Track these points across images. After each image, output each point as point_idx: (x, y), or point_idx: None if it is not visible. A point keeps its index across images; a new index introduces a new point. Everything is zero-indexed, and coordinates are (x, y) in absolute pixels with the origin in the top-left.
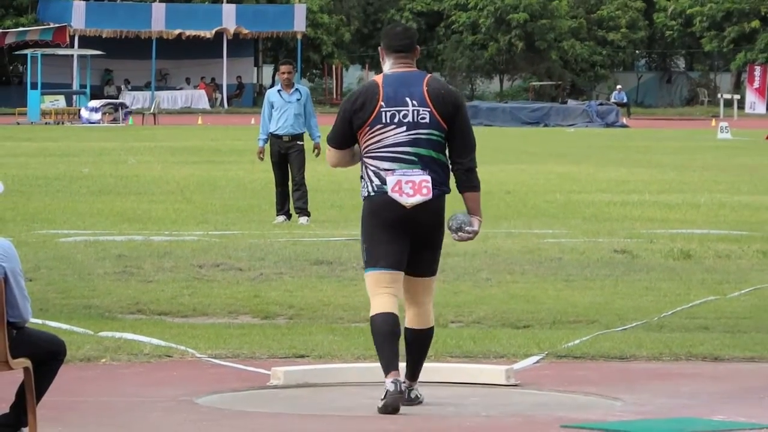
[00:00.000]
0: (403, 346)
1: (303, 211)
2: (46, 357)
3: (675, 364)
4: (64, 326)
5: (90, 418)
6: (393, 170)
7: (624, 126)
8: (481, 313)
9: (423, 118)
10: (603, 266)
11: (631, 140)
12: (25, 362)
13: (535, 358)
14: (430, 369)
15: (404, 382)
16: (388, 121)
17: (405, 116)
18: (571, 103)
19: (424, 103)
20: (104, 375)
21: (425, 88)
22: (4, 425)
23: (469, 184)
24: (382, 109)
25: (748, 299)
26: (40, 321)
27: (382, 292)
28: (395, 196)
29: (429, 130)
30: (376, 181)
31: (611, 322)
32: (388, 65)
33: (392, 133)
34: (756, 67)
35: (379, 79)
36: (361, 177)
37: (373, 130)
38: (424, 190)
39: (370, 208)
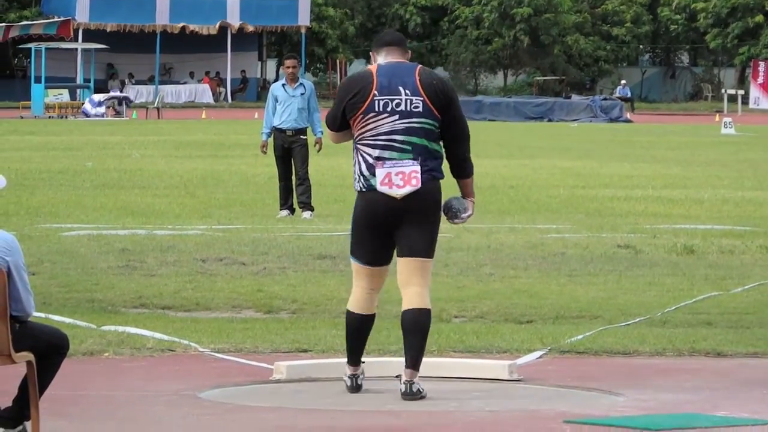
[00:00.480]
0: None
1: (306, 205)
2: (48, 351)
3: (678, 360)
4: (67, 320)
5: (92, 411)
6: (383, 160)
7: (628, 121)
8: (485, 308)
9: (416, 107)
10: (606, 261)
11: (635, 135)
12: (28, 356)
13: (538, 353)
14: (433, 364)
15: (361, 376)
16: (381, 109)
17: (398, 105)
18: (574, 98)
19: (416, 93)
20: (107, 369)
21: (417, 78)
22: (7, 419)
23: (464, 171)
24: (375, 98)
25: (752, 295)
26: (43, 315)
27: (360, 285)
28: (385, 189)
29: (422, 118)
30: (366, 173)
31: (614, 318)
32: (380, 59)
33: (386, 121)
34: (760, 62)
35: (373, 68)
36: (353, 166)
37: (366, 118)
38: (414, 181)
39: (360, 205)
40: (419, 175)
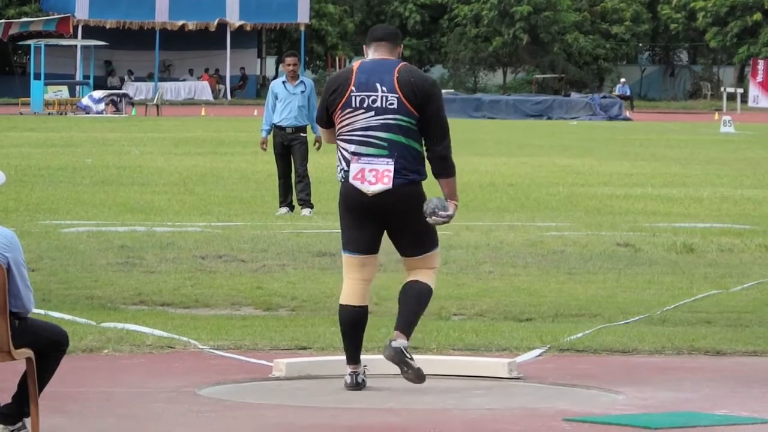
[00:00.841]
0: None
1: (306, 202)
2: (48, 347)
3: (677, 358)
4: (67, 317)
5: (92, 408)
6: (359, 156)
7: (627, 119)
8: (484, 305)
9: (391, 104)
10: (606, 259)
11: (634, 133)
12: (28, 352)
13: (537, 351)
14: (432, 361)
15: (363, 374)
16: (357, 105)
17: (374, 101)
18: (574, 95)
19: (392, 90)
20: (106, 366)
21: (395, 76)
22: (7, 415)
23: (443, 170)
24: (352, 94)
25: (751, 293)
26: (42, 311)
27: (351, 277)
28: (356, 183)
29: (397, 115)
30: (344, 167)
31: (614, 316)
32: (369, 54)
33: (362, 117)
34: (759, 60)
35: (356, 65)
36: (337, 160)
37: (344, 113)
38: (385, 179)
39: (341, 195)
40: (392, 174)
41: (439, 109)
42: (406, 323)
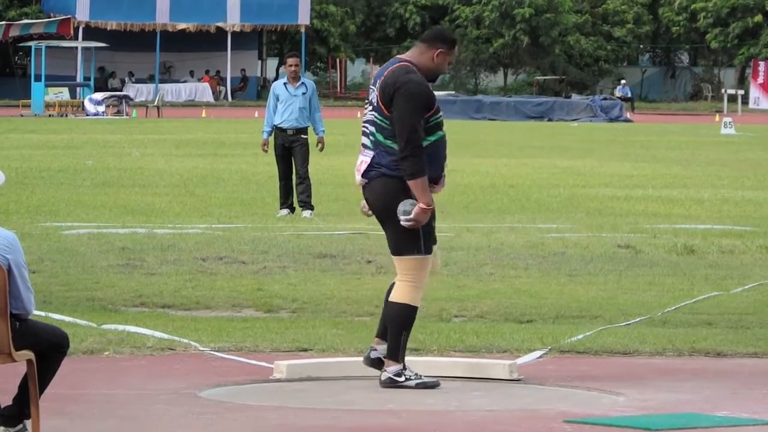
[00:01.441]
0: None
1: (306, 204)
2: (49, 349)
3: (678, 360)
4: (68, 318)
5: (93, 410)
6: (362, 147)
7: (628, 120)
8: (485, 307)
9: (374, 101)
10: (606, 261)
11: (635, 135)
12: (28, 354)
13: (538, 353)
14: (433, 363)
15: (374, 351)
16: (368, 98)
17: (371, 97)
18: (574, 97)
19: (377, 88)
20: (107, 367)
21: (385, 74)
22: (7, 417)
23: (403, 171)
24: (370, 87)
25: (752, 295)
26: (43, 313)
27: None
28: (356, 174)
29: (375, 113)
30: None
31: (614, 317)
32: None
33: (367, 110)
34: (760, 62)
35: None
36: None
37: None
38: (362, 170)
39: None
40: (365, 166)
41: (401, 110)
42: (387, 348)
